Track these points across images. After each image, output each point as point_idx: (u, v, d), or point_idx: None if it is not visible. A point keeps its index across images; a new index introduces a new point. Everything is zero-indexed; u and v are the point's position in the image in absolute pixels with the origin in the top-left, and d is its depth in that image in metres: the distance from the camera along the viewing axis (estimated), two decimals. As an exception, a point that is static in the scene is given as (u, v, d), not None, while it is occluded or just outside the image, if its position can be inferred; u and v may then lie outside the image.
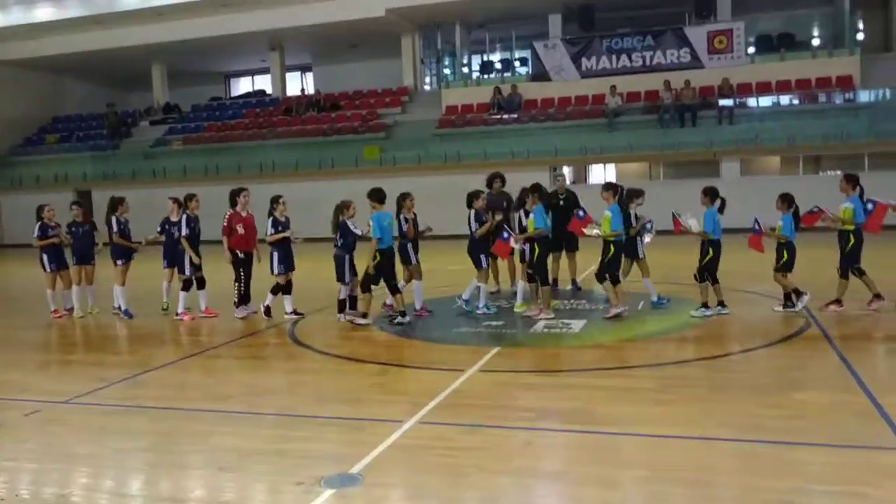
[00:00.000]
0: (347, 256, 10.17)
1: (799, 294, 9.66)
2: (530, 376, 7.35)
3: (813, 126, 23.00)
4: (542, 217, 9.95)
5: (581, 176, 27.07)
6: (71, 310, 11.76)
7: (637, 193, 10.62)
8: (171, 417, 6.42)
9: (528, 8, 27.97)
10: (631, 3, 27.07)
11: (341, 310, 10.35)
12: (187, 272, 10.99)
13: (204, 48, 31.99)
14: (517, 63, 29.51)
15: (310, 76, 36.39)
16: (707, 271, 9.70)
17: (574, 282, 12.16)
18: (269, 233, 10.62)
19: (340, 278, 10.24)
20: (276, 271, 10.67)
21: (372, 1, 27.52)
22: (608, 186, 9.94)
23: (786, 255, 9.68)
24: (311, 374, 7.83)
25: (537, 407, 6.25)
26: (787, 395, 6.27)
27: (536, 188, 10.16)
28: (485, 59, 30.27)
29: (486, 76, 29.28)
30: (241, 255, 10.83)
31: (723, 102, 24.38)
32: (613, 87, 25.38)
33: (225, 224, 10.81)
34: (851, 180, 9.75)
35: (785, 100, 24.34)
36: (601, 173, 27.48)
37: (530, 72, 27.99)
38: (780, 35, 26.24)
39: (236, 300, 10.96)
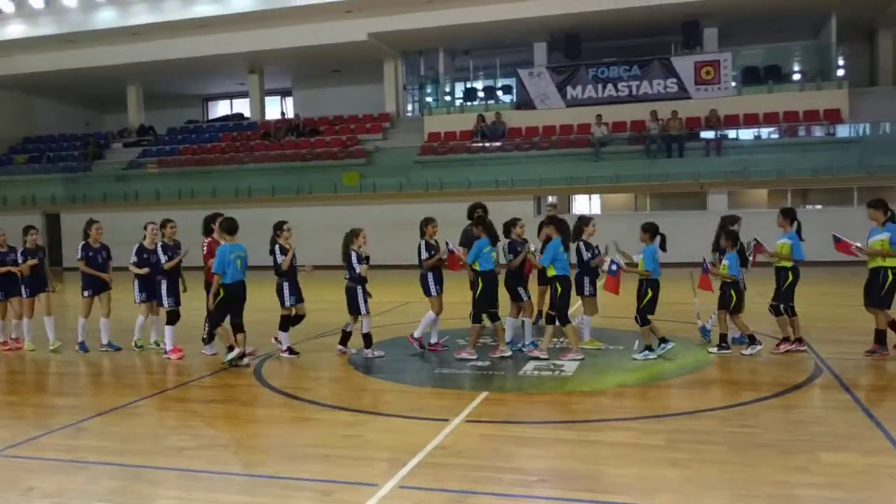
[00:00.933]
0: (360, 287, 9.47)
1: (753, 338, 9.16)
2: (524, 428, 6.56)
3: (802, 159, 22.67)
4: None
5: (565, 206, 26.48)
6: (17, 340, 10.84)
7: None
8: (114, 476, 5.56)
9: (512, 36, 27.57)
10: (617, 33, 26.74)
11: (368, 345, 9.60)
12: (166, 304, 10.01)
13: (181, 70, 31.25)
14: (500, 92, 29.02)
15: (289, 100, 35.72)
16: (648, 312, 9.07)
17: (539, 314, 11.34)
18: (278, 261, 9.68)
19: (353, 310, 9.55)
20: (287, 303, 9.75)
21: (354, 25, 26.98)
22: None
23: (734, 296, 9.11)
24: (277, 422, 6.98)
25: (536, 468, 5.47)
26: (815, 456, 5.55)
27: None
28: (468, 86, 29.78)
29: (469, 103, 28.76)
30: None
31: (709, 134, 24.01)
32: (599, 117, 24.94)
33: (205, 252, 9.86)
34: (789, 215, 9.28)
35: (774, 132, 24.00)
36: (586, 203, 26.96)
37: (514, 100, 27.51)
38: (767, 67, 26.02)
39: (206, 337, 10.07)
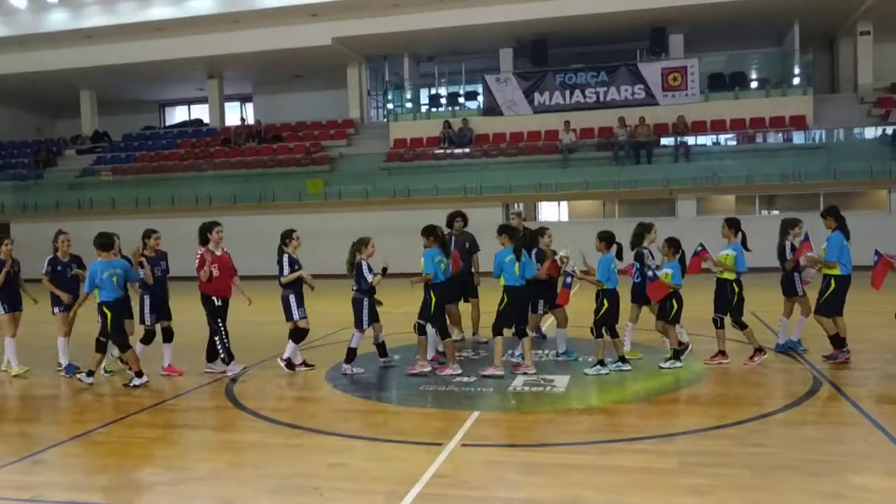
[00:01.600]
0: (366, 300, 8.99)
1: (679, 353, 8.89)
2: (526, 452, 6.10)
3: (770, 165, 22.75)
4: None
5: (531, 213, 26.18)
6: None
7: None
8: (75, 518, 4.96)
9: (478, 42, 27.27)
10: (584, 39, 26.62)
11: (350, 360, 9.07)
12: (148, 321, 9.26)
13: (137, 74, 30.30)
14: (462, 99, 28.60)
15: (250, 106, 34.88)
16: (604, 325, 8.73)
17: (539, 330, 10.96)
18: (285, 272, 9.16)
19: (358, 324, 9.04)
20: (296, 316, 9.20)
21: (318, 29, 26.40)
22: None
23: (675, 306, 8.81)
24: (255, 450, 6.40)
25: (549, 499, 5.01)
26: (843, 478, 5.20)
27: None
28: (433, 92, 29.36)
29: (435, 109, 28.32)
30: (218, 303, 9.21)
31: (669, 141, 23.97)
32: (567, 123, 24.72)
33: (199, 264, 9.14)
34: (733, 225, 9.00)
35: (740, 138, 24.04)
36: (551, 210, 26.69)
37: (481, 106, 27.16)
38: (732, 74, 26.11)
39: (223, 356, 9.30)
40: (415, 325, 8.97)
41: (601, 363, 8.69)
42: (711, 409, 7.23)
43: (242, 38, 27.16)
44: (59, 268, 9.55)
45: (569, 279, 9.07)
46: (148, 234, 9.44)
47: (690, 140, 24.02)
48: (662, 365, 8.82)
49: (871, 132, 23.54)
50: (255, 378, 9.16)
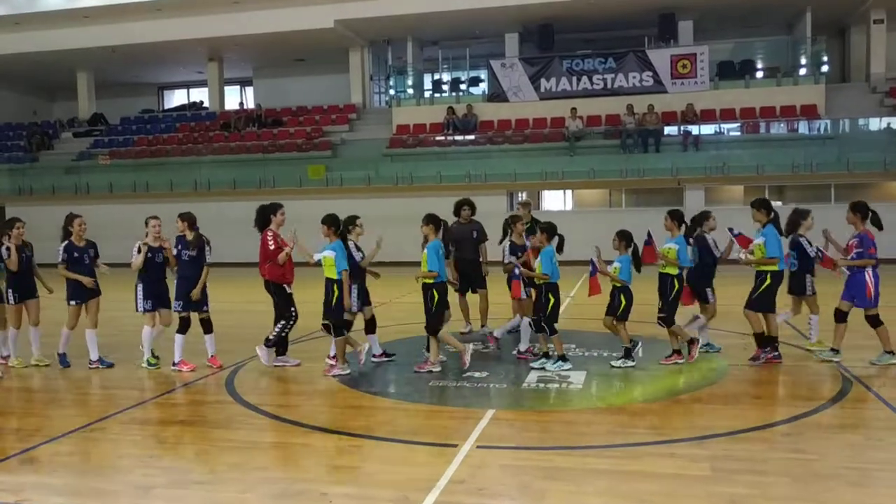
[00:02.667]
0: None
1: (630, 351, 8.46)
2: (547, 456, 5.71)
3: (780, 155, 22.34)
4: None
5: (535, 202, 25.78)
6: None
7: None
8: (65, 525, 4.58)
9: (483, 26, 26.76)
10: (591, 25, 26.14)
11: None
12: (180, 308, 8.72)
13: (135, 56, 29.76)
14: (463, 85, 28.11)
15: (249, 90, 34.37)
16: (550, 321, 8.29)
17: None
18: (357, 260, 8.63)
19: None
20: (355, 307, 8.67)
21: (320, 12, 25.87)
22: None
23: (623, 302, 8.35)
24: (258, 450, 6.01)
25: (576, 511, 4.65)
26: (892, 491, 4.83)
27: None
28: (436, 77, 28.85)
29: (439, 95, 27.82)
30: (289, 290, 8.73)
31: (681, 129, 23.55)
32: (574, 110, 24.27)
33: (272, 247, 8.58)
34: (676, 217, 8.55)
35: (751, 127, 23.60)
36: (556, 199, 26.29)
37: (486, 91, 26.68)
38: (742, 62, 25.64)
39: (273, 343, 8.79)
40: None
41: (546, 355, 8.37)
42: (738, 410, 6.84)
43: (243, 20, 26.64)
44: (75, 254, 8.84)
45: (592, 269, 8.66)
46: (188, 217, 8.88)
47: (699, 129, 23.57)
48: (614, 364, 8.37)
49: (883, 122, 23.08)
50: (255, 371, 8.77)
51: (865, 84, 25.34)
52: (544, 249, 8.34)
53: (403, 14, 25.51)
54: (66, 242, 8.87)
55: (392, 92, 28.75)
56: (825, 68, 24.90)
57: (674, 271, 8.41)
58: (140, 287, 8.77)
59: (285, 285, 8.68)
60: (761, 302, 8.32)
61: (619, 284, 8.39)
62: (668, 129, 23.78)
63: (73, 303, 8.90)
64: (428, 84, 28.68)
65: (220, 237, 9.13)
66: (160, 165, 27.15)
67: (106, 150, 28.90)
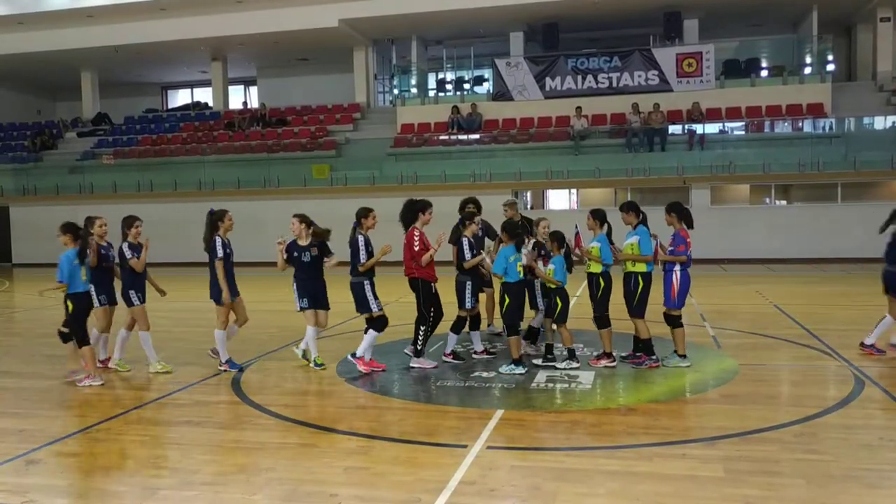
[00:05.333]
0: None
1: (572, 351, 8.32)
2: (557, 456, 5.65)
3: (786, 154, 22.24)
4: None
5: (539, 201, 25.73)
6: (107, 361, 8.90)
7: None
8: (71, 527, 4.52)
9: (488, 25, 26.71)
10: (596, 23, 26.06)
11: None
12: (375, 308, 8.40)
13: (139, 56, 29.74)
14: (468, 84, 28.05)
15: (253, 90, 34.36)
16: (511, 322, 8.18)
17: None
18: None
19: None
20: (469, 304, 8.63)
21: (324, 11, 25.84)
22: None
23: (560, 304, 8.22)
24: (265, 451, 5.95)
25: (589, 513, 4.58)
26: (910, 492, 4.77)
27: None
28: (440, 76, 28.79)
29: (443, 94, 27.77)
30: (433, 290, 8.57)
31: (687, 127, 23.46)
32: (579, 109, 24.20)
33: (418, 246, 8.38)
34: (598, 216, 8.38)
35: (756, 126, 23.50)
36: (561, 198, 26.22)
37: (491, 91, 26.62)
38: (748, 60, 25.54)
39: (420, 347, 8.60)
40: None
41: (517, 363, 8.15)
42: (749, 410, 6.76)
43: (247, 20, 26.61)
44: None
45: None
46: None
47: (705, 127, 23.48)
48: (558, 365, 8.26)
49: (890, 120, 22.97)
50: (263, 371, 8.72)
51: (872, 82, 25.22)
52: (503, 248, 8.28)
53: (408, 13, 25.46)
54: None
55: (396, 91, 28.70)
56: (831, 67, 24.80)
57: (598, 269, 8.26)
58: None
59: (432, 283, 8.56)
60: (642, 307, 8.19)
61: (553, 286, 8.26)
62: (673, 128, 23.68)
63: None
64: (432, 83, 28.59)
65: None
66: (164, 165, 27.13)
67: (110, 149, 28.88)
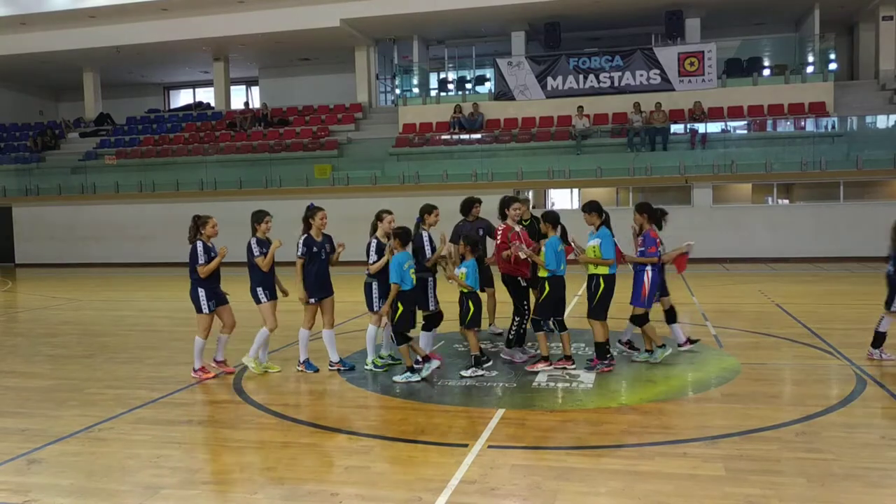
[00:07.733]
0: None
1: (479, 361, 8.15)
2: (559, 456, 5.65)
3: (789, 153, 22.22)
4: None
5: (540, 200, 25.70)
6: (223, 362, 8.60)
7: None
8: (73, 526, 4.53)
9: (489, 24, 26.71)
10: (598, 23, 26.05)
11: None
12: (432, 306, 8.48)
13: (141, 56, 29.78)
14: (470, 84, 28.04)
15: (255, 90, 34.39)
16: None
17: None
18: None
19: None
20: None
21: (326, 11, 25.86)
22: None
23: (472, 308, 8.11)
24: (266, 449, 5.97)
25: (589, 512, 4.58)
26: (911, 490, 4.76)
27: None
28: (443, 76, 28.80)
29: (445, 94, 27.77)
30: (523, 283, 8.79)
31: (689, 126, 23.45)
32: (580, 108, 24.19)
33: (499, 240, 8.71)
34: (549, 220, 8.24)
35: (759, 125, 23.48)
36: (563, 197, 26.17)
37: (492, 90, 26.61)
38: (750, 59, 25.51)
39: (512, 338, 8.87)
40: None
41: (411, 370, 7.94)
42: (750, 409, 6.75)
43: (249, 20, 26.64)
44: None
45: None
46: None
47: (707, 126, 23.47)
48: (463, 373, 8.10)
49: (893, 119, 22.94)
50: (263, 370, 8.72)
51: (874, 81, 25.19)
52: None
53: (409, 13, 25.47)
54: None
55: (398, 91, 28.71)
56: (833, 66, 24.76)
57: (543, 273, 8.18)
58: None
59: (520, 278, 8.72)
60: (603, 309, 8.12)
61: (465, 290, 8.16)
62: (675, 127, 23.67)
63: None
64: (434, 83, 28.60)
65: (226, 237, 8.98)
66: (166, 165, 27.16)
67: (112, 149, 28.92)
